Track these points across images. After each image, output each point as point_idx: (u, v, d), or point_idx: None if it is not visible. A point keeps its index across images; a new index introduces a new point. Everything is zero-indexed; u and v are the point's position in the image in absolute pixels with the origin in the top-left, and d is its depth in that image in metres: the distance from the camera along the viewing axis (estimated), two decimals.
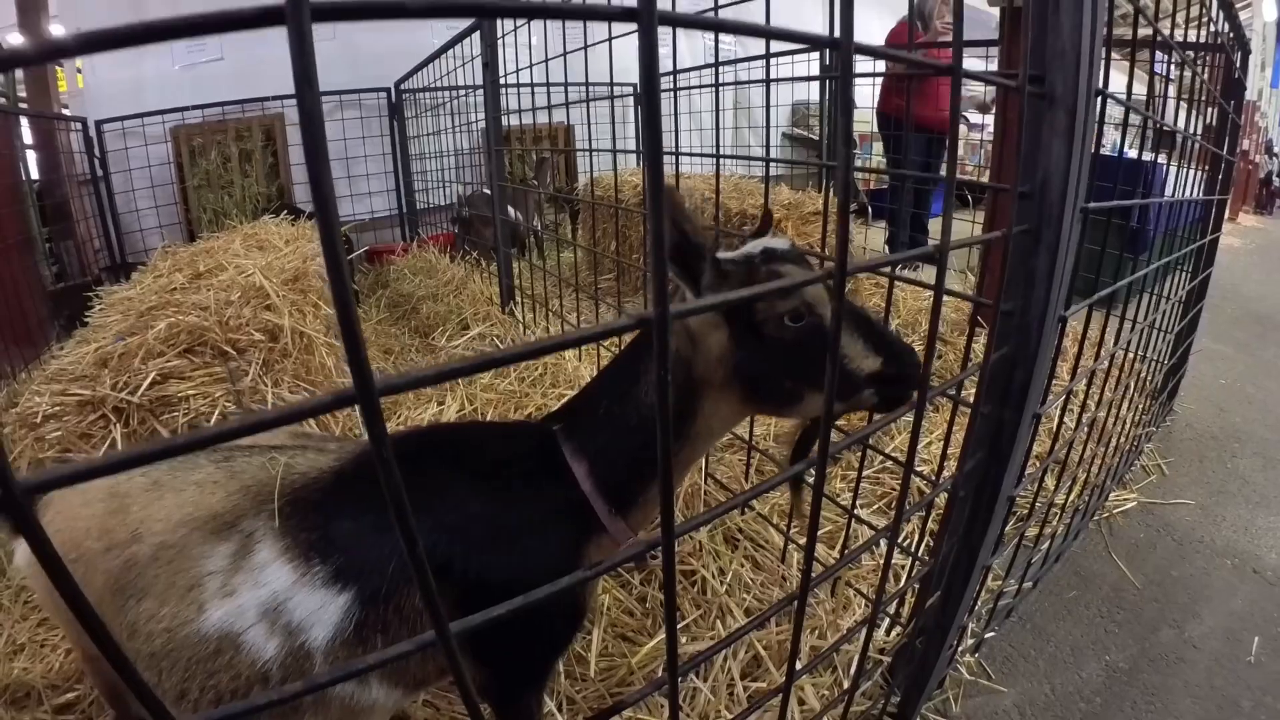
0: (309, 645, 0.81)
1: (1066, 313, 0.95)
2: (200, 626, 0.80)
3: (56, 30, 4.02)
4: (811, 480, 0.90)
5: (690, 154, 1.38)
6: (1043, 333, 0.87)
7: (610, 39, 1.61)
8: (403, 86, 4.58)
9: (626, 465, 0.89)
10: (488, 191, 3.02)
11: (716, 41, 1.11)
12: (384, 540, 0.84)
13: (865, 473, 1.71)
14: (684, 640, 1.32)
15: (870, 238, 4.66)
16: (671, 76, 1.39)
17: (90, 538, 0.84)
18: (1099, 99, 0.91)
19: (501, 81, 2.62)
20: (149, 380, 1.76)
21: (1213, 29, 2.00)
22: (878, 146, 5.78)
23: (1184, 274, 2.48)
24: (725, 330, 0.84)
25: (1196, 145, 2.13)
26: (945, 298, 0.63)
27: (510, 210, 3.39)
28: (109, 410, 1.74)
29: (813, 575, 0.57)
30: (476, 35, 2.62)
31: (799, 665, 1.20)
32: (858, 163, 5.57)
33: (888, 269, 1.27)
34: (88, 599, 0.26)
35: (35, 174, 3.70)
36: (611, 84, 1.51)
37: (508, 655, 0.92)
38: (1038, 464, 1.50)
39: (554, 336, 0.37)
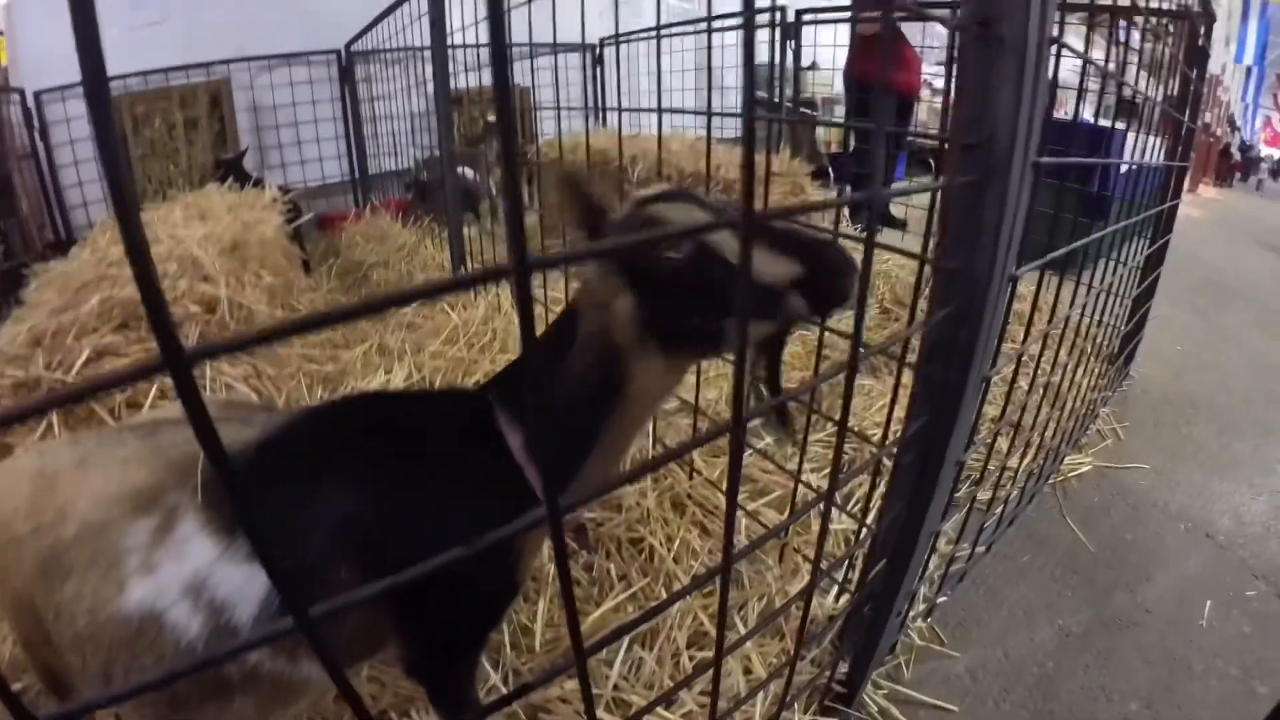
0: (234, 623, 0.77)
1: (1017, 272, 0.92)
2: (121, 605, 0.76)
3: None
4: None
5: (634, 109, 1.33)
6: (989, 291, 0.83)
7: None
8: (353, 48, 4.43)
9: (564, 436, 0.85)
10: None
11: None
12: (307, 514, 0.80)
13: (819, 436, 1.68)
14: (631, 609, 1.29)
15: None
16: (614, 37, 1.33)
17: (19, 519, 0.81)
18: (1053, 47, 0.87)
19: (451, 42, 2.52)
20: (83, 358, 1.70)
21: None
22: (839, 110, 5.74)
23: (1143, 240, 2.48)
24: (627, 291, 0.80)
25: (1158, 112, 2.12)
26: (899, 260, 0.59)
27: (468, 172, 3.30)
28: (44, 391, 1.68)
29: (750, 541, 0.53)
30: None
31: (742, 632, 1.19)
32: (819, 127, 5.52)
33: (851, 230, 1.24)
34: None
35: None
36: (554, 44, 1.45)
37: (438, 628, 0.88)
38: (992, 426, 1.49)
39: (398, 290, 0.32)
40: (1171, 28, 2.31)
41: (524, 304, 0.35)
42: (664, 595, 1.29)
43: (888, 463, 1.08)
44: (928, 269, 0.96)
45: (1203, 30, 2.45)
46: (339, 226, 4.06)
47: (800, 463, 1.24)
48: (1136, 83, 1.79)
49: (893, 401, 1.00)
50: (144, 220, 2.34)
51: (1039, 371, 1.69)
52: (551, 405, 0.84)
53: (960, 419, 0.89)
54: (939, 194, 0.92)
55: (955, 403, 0.87)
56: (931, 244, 0.97)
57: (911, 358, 0.97)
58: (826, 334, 1.22)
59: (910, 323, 0.90)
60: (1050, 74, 0.89)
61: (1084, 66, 1.12)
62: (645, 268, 0.78)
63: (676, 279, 0.77)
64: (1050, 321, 1.31)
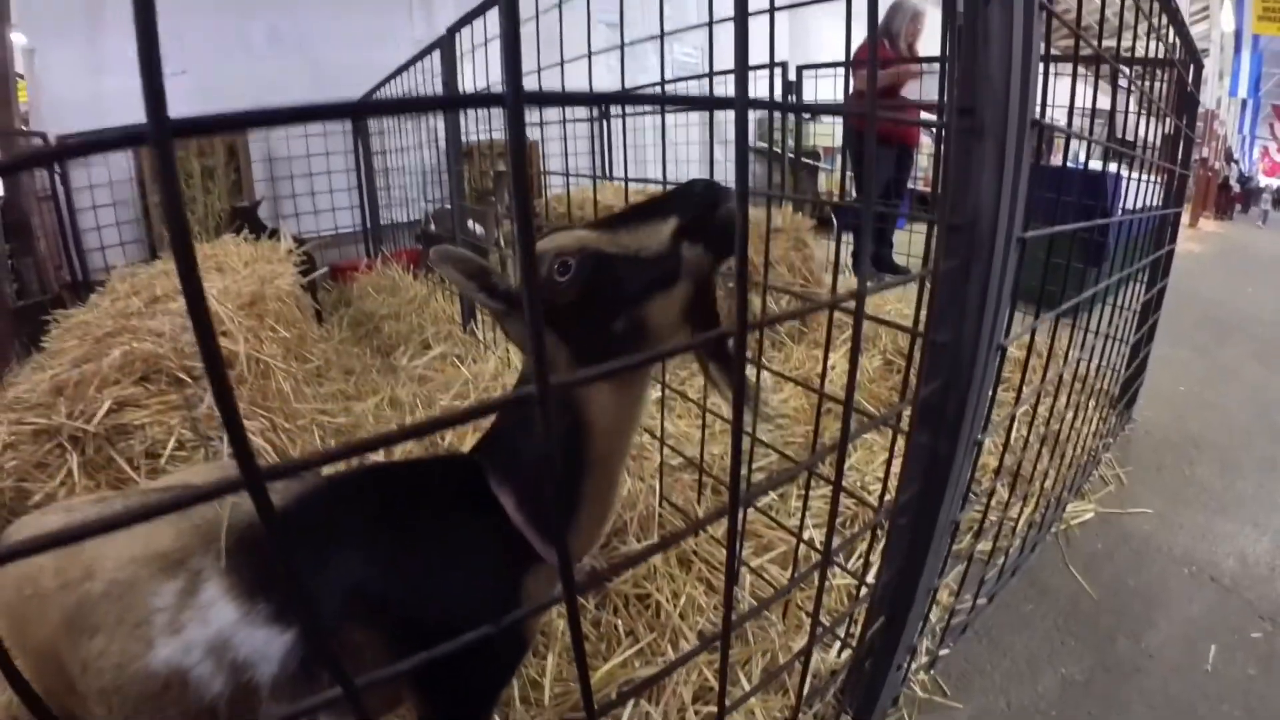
0: (256, 681, 0.82)
1: (1006, 341, 0.96)
2: (149, 662, 0.81)
3: (18, 39, 3.94)
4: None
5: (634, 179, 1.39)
6: (975, 364, 0.87)
7: (563, 62, 1.61)
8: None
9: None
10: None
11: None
12: (324, 578, 0.85)
13: (822, 491, 1.71)
14: (638, 664, 1.32)
15: (832, 250, 4.66)
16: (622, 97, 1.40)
17: (46, 575, 0.85)
18: (1034, 128, 0.91)
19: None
20: (104, 409, 1.75)
21: (1165, 44, 2.03)
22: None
23: (1140, 284, 2.52)
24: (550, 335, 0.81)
25: (1152, 158, 2.16)
26: (902, 309, 0.64)
27: (477, 228, 3.37)
28: (65, 439, 1.72)
29: (756, 600, 0.57)
30: (438, 53, 2.62)
31: (746, 687, 1.21)
32: (821, 176, 5.60)
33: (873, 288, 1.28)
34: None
35: None
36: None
37: (450, 689, 0.92)
38: (993, 478, 1.51)
39: (435, 416, 0.37)
40: (1160, 74, 2.34)
41: (548, 426, 0.39)
42: (670, 651, 1.32)
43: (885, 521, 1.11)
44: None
45: (1191, 75, 2.50)
46: (350, 276, 4.12)
47: (802, 520, 1.27)
48: (1133, 126, 1.83)
49: (887, 468, 1.04)
50: (164, 269, 2.38)
51: (1037, 421, 1.71)
52: (541, 479, 0.86)
53: (952, 483, 0.93)
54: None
55: (946, 469, 0.91)
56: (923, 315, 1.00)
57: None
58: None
59: (902, 391, 0.95)
60: (1037, 147, 0.94)
61: (1067, 134, 1.17)
62: (546, 303, 0.78)
63: (578, 295, 0.78)
64: (1044, 380, 1.35)
